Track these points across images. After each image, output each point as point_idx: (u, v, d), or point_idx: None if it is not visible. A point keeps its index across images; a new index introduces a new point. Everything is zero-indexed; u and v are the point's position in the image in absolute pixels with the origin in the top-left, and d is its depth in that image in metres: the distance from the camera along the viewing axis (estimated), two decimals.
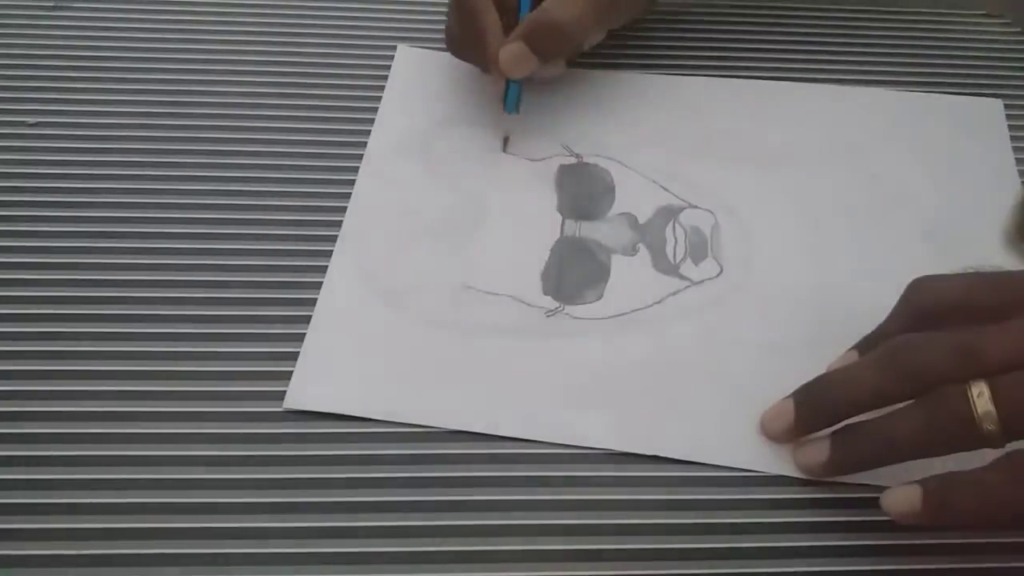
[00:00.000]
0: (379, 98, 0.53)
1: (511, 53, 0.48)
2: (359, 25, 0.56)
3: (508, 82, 0.49)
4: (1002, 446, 0.35)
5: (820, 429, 0.39)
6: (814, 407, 0.39)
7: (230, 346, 0.42)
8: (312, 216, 0.47)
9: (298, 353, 0.42)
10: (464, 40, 0.50)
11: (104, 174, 0.48)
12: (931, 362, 0.36)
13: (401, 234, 0.47)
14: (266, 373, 0.41)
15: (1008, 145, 0.52)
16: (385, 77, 0.54)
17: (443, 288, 0.45)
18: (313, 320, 0.43)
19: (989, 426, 0.35)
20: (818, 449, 0.39)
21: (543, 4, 0.49)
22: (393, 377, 0.42)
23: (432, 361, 0.43)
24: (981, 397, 0.35)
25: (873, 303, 0.41)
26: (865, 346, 0.41)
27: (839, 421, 0.39)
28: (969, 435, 0.35)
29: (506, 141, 0.51)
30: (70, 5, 0.56)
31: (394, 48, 0.55)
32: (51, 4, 0.56)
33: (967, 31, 0.59)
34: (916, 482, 0.36)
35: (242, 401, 0.41)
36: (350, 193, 0.48)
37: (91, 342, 0.42)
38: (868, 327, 0.41)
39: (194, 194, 0.48)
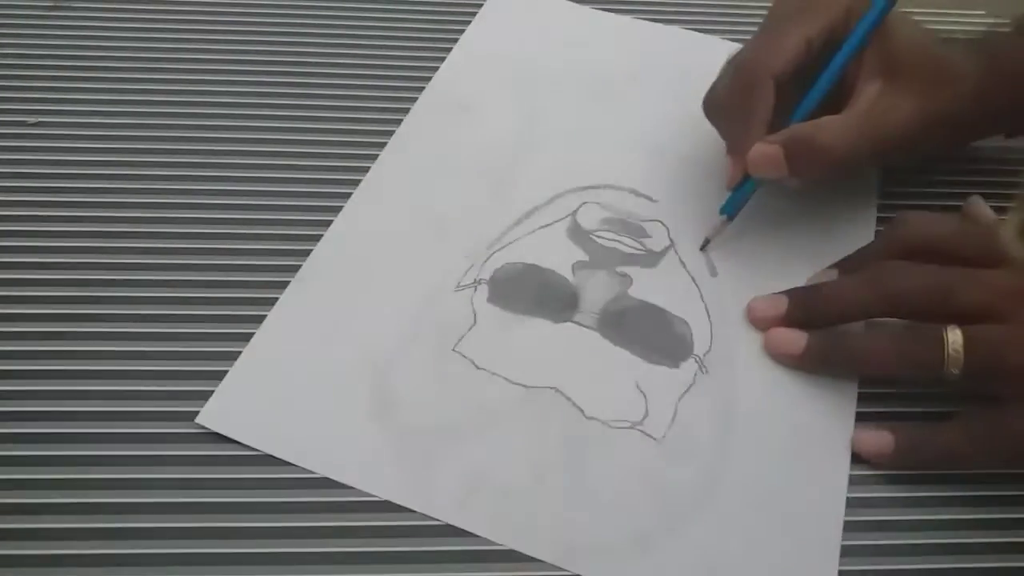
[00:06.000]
0: (385, 108, 0.52)
1: (764, 154, 0.44)
2: (367, 26, 0.57)
3: (745, 181, 0.45)
4: (956, 388, 0.40)
5: (804, 328, 0.43)
6: (806, 309, 0.43)
7: (240, 346, 0.42)
8: (314, 216, 0.47)
9: None
10: (727, 111, 0.46)
11: (103, 174, 0.48)
12: (912, 291, 0.41)
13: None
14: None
15: None
16: (390, 83, 0.54)
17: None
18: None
19: (953, 369, 0.39)
20: (794, 340, 0.42)
21: (819, 120, 0.44)
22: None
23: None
24: (955, 344, 0.39)
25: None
26: (846, 265, 0.45)
27: (825, 326, 0.42)
28: (934, 372, 0.39)
29: (707, 242, 0.47)
30: (69, 5, 0.56)
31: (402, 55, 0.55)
32: (50, 4, 0.56)
33: (967, 31, 0.59)
34: (887, 427, 0.40)
35: None
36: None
37: (91, 342, 0.42)
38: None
39: (194, 194, 0.48)
